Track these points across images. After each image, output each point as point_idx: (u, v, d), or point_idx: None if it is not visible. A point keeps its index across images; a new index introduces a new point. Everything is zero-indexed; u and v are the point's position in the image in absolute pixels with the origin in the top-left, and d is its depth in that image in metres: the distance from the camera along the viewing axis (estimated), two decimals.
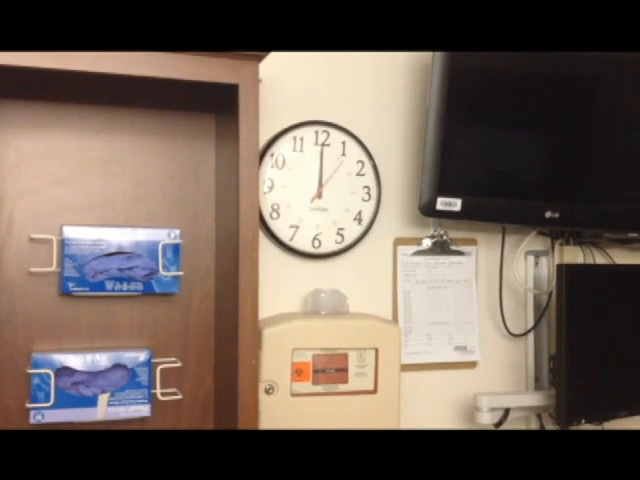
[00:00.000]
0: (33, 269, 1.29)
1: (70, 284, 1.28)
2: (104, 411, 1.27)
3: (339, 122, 1.54)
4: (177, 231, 1.35)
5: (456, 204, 1.49)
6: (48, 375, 1.24)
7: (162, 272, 1.32)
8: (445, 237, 1.64)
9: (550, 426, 1.70)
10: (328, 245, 1.53)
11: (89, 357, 1.27)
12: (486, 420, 1.55)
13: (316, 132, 1.52)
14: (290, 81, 1.53)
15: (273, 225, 1.48)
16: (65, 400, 1.25)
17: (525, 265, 1.74)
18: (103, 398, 1.27)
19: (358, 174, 1.55)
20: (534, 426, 1.71)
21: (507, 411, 1.57)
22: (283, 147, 1.49)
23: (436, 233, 1.63)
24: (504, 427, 1.57)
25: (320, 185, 1.52)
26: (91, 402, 1.27)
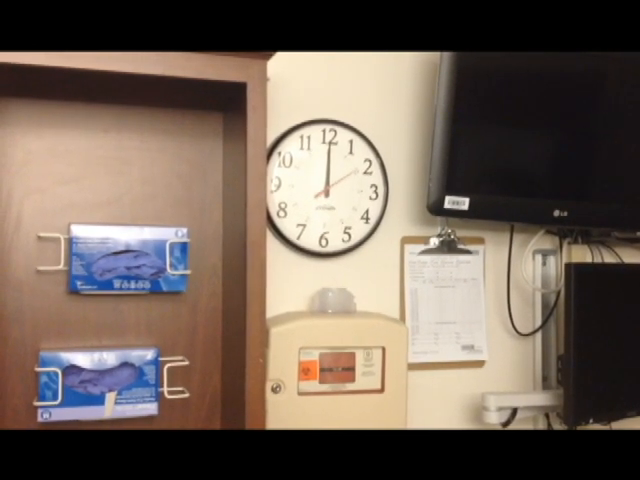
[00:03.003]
0: (41, 267, 1.29)
1: (78, 282, 1.28)
2: (111, 409, 1.27)
3: (346, 120, 1.54)
4: (184, 230, 1.35)
5: (464, 203, 1.48)
6: (56, 373, 1.24)
7: (169, 271, 1.32)
8: (452, 236, 1.63)
9: (558, 426, 1.69)
10: (335, 244, 1.53)
11: (97, 355, 1.27)
12: (494, 419, 1.55)
13: (323, 130, 1.51)
14: (297, 79, 1.53)
15: (280, 224, 1.48)
16: (73, 398, 1.25)
17: (533, 264, 1.73)
18: (110, 396, 1.28)
19: (365, 172, 1.55)
20: (542, 426, 1.71)
21: (515, 411, 1.57)
22: (290, 146, 1.49)
23: (443, 232, 1.63)
24: (512, 427, 1.57)
25: (327, 184, 1.52)
26: (98, 400, 1.27)
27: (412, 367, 1.58)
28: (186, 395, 1.34)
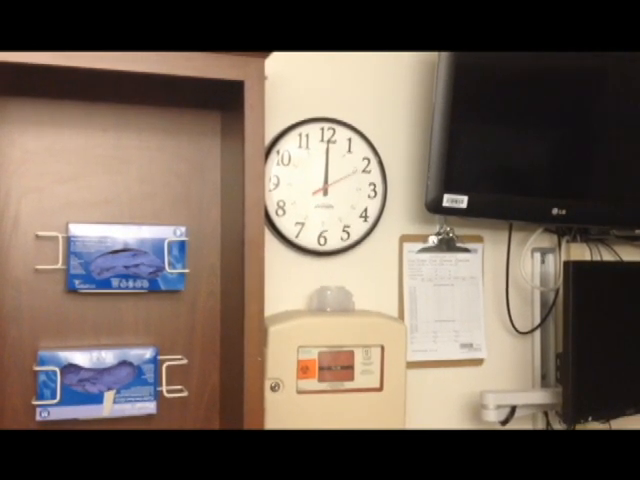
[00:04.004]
0: (39, 266, 1.29)
1: (76, 281, 1.28)
2: (110, 408, 1.27)
3: (345, 119, 1.54)
4: (183, 228, 1.34)
5: (462, 201, 1.48)
6: (54, 372, 1.24)
7: (168, 269, 1.32)
8: (451, 234, 1.63)
9: (557, 424, 1.69)
10: (334, 242, 1.53)
11: (95, 354, 1.27)
12: (492, 418, 1.55)
13: (322, 129, 1.51)
14: (296, 78, 1.53)
15: (279, 222, 1.48)
16: (71, 397, 1.25)
17: (532, 262, 1.73)
18: (109, 395, 1.27)
19: (364, 171, 1.55)
20: (540, 424, 1.71)
21: (513, 409, 1.57)
22: (289, 144, 1.49)
23: (442, 230, 1.63)
24: (510, 425, 1.57)
25: (326, 182, 1.52)
26: (97, 399, 1.27)
27: (411, 365, 1.58)
28: (185, 394, 1.34)
